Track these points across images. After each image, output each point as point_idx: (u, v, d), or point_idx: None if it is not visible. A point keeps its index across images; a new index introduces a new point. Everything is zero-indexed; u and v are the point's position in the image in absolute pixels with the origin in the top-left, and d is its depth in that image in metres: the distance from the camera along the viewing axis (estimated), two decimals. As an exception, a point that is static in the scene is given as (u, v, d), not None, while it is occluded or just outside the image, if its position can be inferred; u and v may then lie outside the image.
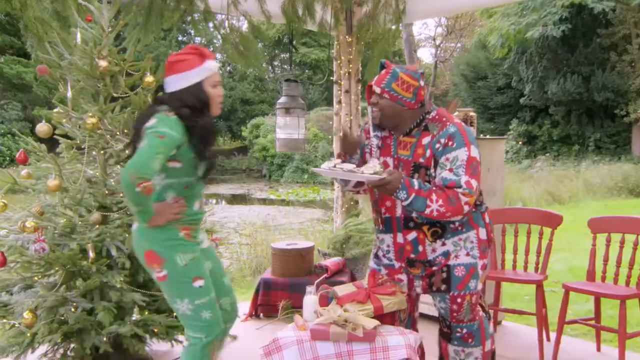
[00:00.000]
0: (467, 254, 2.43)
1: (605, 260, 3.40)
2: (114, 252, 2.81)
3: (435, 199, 2.24)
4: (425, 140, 2.38)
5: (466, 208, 2.27)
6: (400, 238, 2.46)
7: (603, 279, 3.39)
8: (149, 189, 2.08)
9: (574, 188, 13.39)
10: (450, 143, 2.30)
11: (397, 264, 2.51)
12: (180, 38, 29.98)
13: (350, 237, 4.56)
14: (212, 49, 29.68)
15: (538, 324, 3.40)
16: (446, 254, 2.42)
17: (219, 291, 2.43)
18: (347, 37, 4.75)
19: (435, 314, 2.63)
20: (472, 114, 3.99)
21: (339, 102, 4.89)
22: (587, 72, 19.83)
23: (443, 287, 2.45)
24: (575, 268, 6.43)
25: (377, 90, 2.36)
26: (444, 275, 2.44)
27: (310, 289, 2.37)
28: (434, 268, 2.44)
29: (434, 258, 2.43)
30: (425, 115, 2.41)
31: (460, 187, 2.25)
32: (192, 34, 29.80)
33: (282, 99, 4.40)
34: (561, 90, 19.74)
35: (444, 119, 2.39)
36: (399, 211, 2.44)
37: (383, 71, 2.40)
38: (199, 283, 2.27)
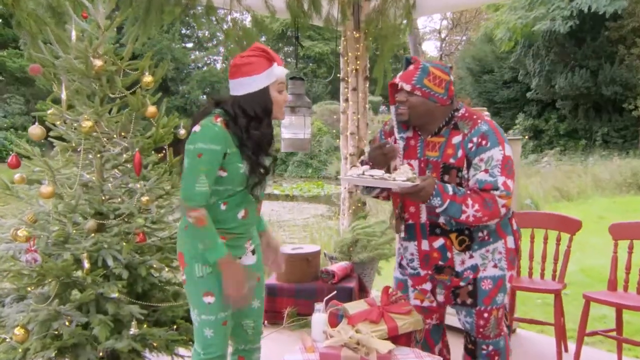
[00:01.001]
0: (495, 266, 2.29)
1: (628, 268, 3.24)
2: (110, 263, 2.65)
3: (471, 204, 2.11)
4: (456, 139, 2.23)
5: (503, 211, 2.14)
6: (425, 245, 2.32)
7: (625, 288, 3.23)
8: (200, 219, 2.03)
9: (582, 184, 13.20)
10: (484, 142, 2.17)
11: (422, 272, 2.38)
12: (183, 31, 29.76)
13: (357, 241, 4.41)
14: (215, 42, 29.51)
15: (557, 335, 3.25)
16: (475, 268, 2.28)
17: (243, 312, 2.32)
18: (354, 32, 4.57)
19: (459, 325, 2.49)
20: (486, 113, 3.81)
21: (346, 100, 4.73)
22: (595, 65, 19.57)
23: (469, 300, 2.31)
24: (588, 269, 6.27)
25: (407, 87, 2.20)
26: (470, 287, 2.30)
27: (319, 306, 2.22)
28: (462, 283, 2.31)
29: (462, 271, 2.29)
30: (454, 112, 2.26)
31: (497, 189, 2.12)
32: (195, 27, 29.57)
33: (288, 97, 4.22)
34: (569, 84, 19.50)
35: (475, 117, 2.25)
36: (423, 217, 2.30)
37: (411, 67, 2.23)
38: (208, 299, 2.15)
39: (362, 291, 4.30)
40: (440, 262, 2.31)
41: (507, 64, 22.94)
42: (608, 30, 19.53)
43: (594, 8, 16.80)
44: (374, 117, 21.69)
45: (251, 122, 2.11)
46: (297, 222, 12.59)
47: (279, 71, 2.13)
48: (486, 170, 2.14)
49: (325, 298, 2.29)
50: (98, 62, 2.80)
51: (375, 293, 4.65)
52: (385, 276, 4.91)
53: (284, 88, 2.19)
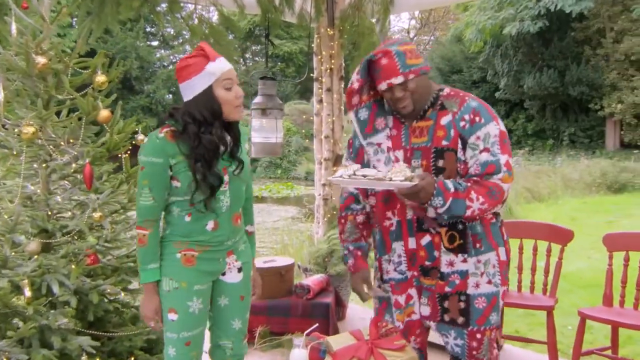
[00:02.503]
0: (489, 282, 2.05)
1: (624, 282, 3.04)
2: (56, 289, 2.32)
3: (475, 197, 1.91)
4: (445, 119, 2.02)
5: (506, 194, 1.98)
6: (412, 243, 2.09)
7: (622, 303, 3.03)
8: (140, 238, 2.01)
9: (552, 184, 13.22)
10: (477, 118, 1.98)
11: (409, 274, 2.13)
12: (148, 29, 29.02)
13: (333, 252, 4.13)
14: (181, 40, 28.89)
15: (550, 355, 3.03)
16: (464, 275, 2.04)
17: (221, 331, 2.24)
18: (328, 29, 4.29)
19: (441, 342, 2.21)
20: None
21: (320, 101, 4.44)
22: (562, 66, 19.77)
23: (460, 319, 2.06)
24: (567, 274, 6.12)
25: (399, 79, 1.96)
26: (462, 305, 2.05)
27: (298, 341, 1.93)
28: (447, 288, 2.05)
29: (448, 273, 2.05)
30: (438, 92, 2.07)
31: (500, 170, 1.94)
32: (159, 26, 28.82)
33: (258, 99, 3.92)
34: (537, 84, 19.65)
35: (461, 94, 2.06)
36: (409, 213, 2.08)
37: (384, 61, 1.97)
38: (172, 316, 2.06)
39: (339, 306, 4.03)
40: (427, 262, 2.08)
41: (476, 64, 23.03)
42: (574, 31, 19.75)
43: (560, 6, 16.90)
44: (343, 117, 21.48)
45: (201, 127, 1.98)
46: (267, 224, 12.31)
47: (214, 68, 1.96)
48: (487, 149, 1.96)
49: (306, 331, 2.00)
50: (41, 60, 2.45)
51: (352, 306, 4.38)
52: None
53: (232, 84, 2.01)
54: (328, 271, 4.08)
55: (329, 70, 4.34)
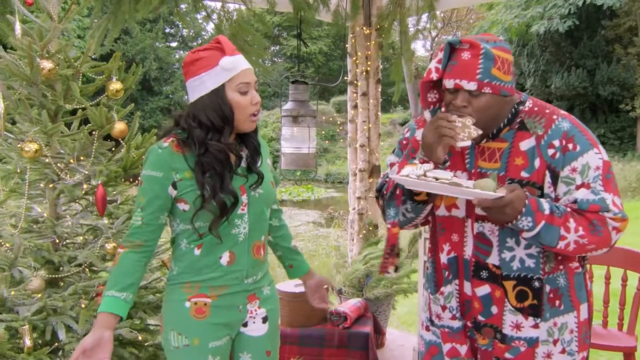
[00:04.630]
0: (563, 351, 1.63)
1: None
2: (62, 335, 1.97)
3: (573, 227, 1.48)
4: (526, 144, 1.57)
5: (615, 237, 1.52)
6: (467, 288, 1.68)
7: None
8: (115, 259, 1.66)
9: (585, 189, 12.73)
10: (571, 145, 1.53)
11: (463, 322, 1.73)
12: (167, 30, 28.92)
13: (370, 273, 3.75)
14: (200, 41, 28.73)
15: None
16: (532, 342, 1.62)
17: None
18: (364, 28, 3.91)
19: None
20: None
21: (355, 106, 4.06)
22: (591, 65, 19.17)
23: None
24: (615, 290, 5.68)
25: (472, 85, 1.52)
26: None
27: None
28: (508, 355, 1.64)
29: (512, 337, 1.63)
30: (518, 107, 1.61)
31: (607, 209, 1.49)
32: (180, 26, 28.72)
33: (289, 105, 3.56)
34: (565, 84, 19.06)
35: (547, 111, 1.60)
36: (468, 251, 1.66)
37: (465, 55, 1.53)
38: None
39: (378, 333, 3.65)
40: (480, 317, 1.67)
41: (501, 63, 22.50)
42: (604, 29, 19.14)
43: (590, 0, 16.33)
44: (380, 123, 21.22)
45: (209, 133, 1.63)
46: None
47: (229, 64, 1.61)
48: (587, 185, 1.52)
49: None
50: (47, 64, 2.11)
51: (391, 331, 4.00)
52: (400, 310, 4.27)
53: (249, 88, 1.66)
54: (365, 294, 3.69)
55: (364, 73, 3.96)
